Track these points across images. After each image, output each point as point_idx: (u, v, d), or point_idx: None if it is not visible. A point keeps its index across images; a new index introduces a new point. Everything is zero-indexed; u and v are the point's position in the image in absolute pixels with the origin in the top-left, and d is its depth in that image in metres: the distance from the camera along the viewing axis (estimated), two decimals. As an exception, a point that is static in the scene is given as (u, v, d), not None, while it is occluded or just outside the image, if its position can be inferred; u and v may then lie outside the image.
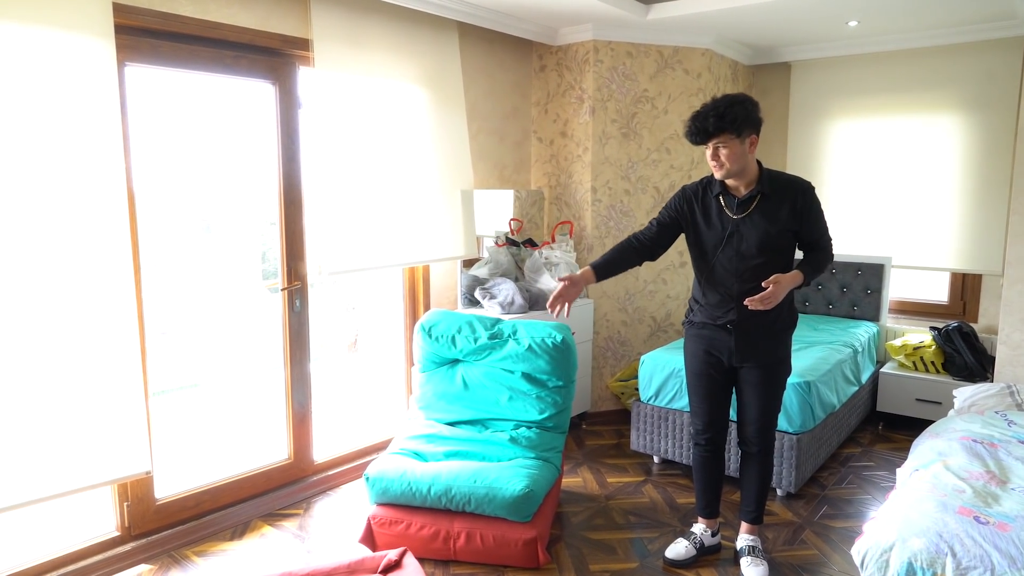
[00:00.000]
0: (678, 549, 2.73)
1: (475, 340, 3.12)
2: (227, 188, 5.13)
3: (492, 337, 3.12)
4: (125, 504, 2.74)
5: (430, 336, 3.16)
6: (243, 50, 2.94)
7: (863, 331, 4.25)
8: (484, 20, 3.73)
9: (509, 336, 3.11)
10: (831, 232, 2.55)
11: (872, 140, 4.56)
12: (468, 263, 3.98)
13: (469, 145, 3.83)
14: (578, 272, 2.44)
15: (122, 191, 2.51)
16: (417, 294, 3.86)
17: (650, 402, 3.66)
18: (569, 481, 3.52)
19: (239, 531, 3.01)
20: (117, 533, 2.74)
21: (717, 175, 2.40)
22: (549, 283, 3.98)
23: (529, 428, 3.04)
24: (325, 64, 3.09)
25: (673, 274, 4.45)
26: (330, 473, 3.44)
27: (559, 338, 3.06)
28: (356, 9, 3.22)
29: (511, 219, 4.16)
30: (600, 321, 4.36)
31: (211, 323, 5.61)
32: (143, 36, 2.63)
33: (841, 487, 3.43)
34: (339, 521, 3.10)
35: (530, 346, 3.05)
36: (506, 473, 2.68)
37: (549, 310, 2.39)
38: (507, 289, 3.78)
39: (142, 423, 2.62)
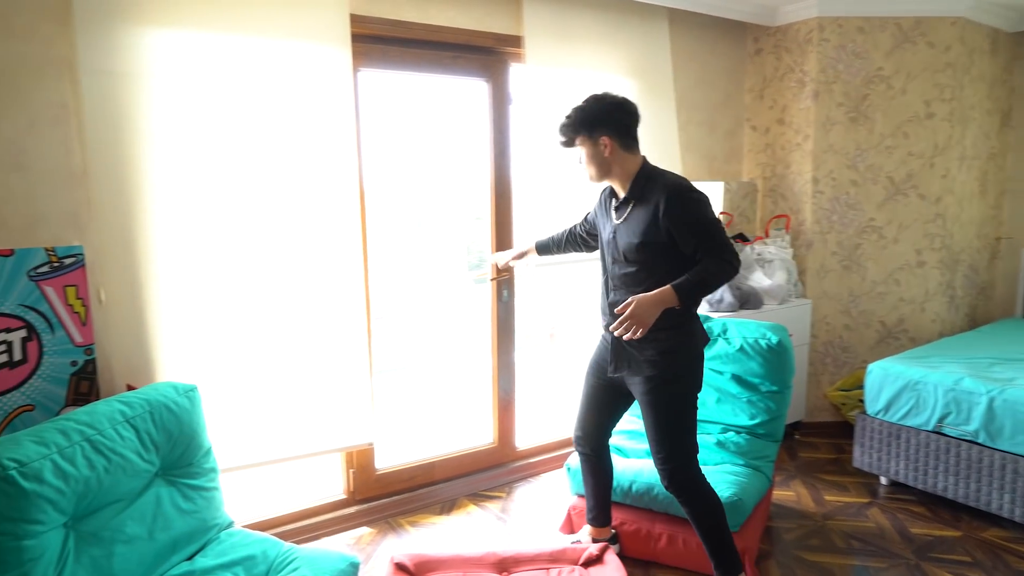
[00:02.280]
0: None
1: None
2: (438, 183, 5.46)
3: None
4: (351, 471, 3.02)
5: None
6: (460, 50, 3.09)
7: None
8: (697, 5, 3.58)
9: (718, 335, 2.95)
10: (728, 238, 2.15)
11: None
12: (673, 258, 3.84)
13: (678, 136, 3.70)
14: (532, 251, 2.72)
15: (355, 188, 2.75)
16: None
17: (878, 416, 3.27)
18: (781, 494, 3.25)
19: (447, 507, 3.18)
20: (344, 496, 3.03)
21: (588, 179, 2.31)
22: (761, 281, 3.72)
23: (738, 433, 2.86)
24: (535, 59, 3.15)
25: (908, 275, 3.93)
26: (532, 460, 3.51)
27: (774, 340, 2.83)
28: (566, 3, 3.24)
29: (720, 212, 3.95)
30: (819, 324, 3.99)
31: (422, 310, 6.04)
32: (374, 43, 2.86)
33: None
34: (540, 508, 3.15)
35: (742, 347, 2.86)
36: (712, 478, 2.54)
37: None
38: (715, 286, 3.59)
39: (367, 398, 2.86)
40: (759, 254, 3.86)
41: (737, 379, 2.90)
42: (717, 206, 3.96)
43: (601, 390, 2.46)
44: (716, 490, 2.44)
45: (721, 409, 2.92)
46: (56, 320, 2.25)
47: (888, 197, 3.89)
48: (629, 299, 2.08)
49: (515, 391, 3.48)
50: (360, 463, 3.03)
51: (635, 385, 2.30)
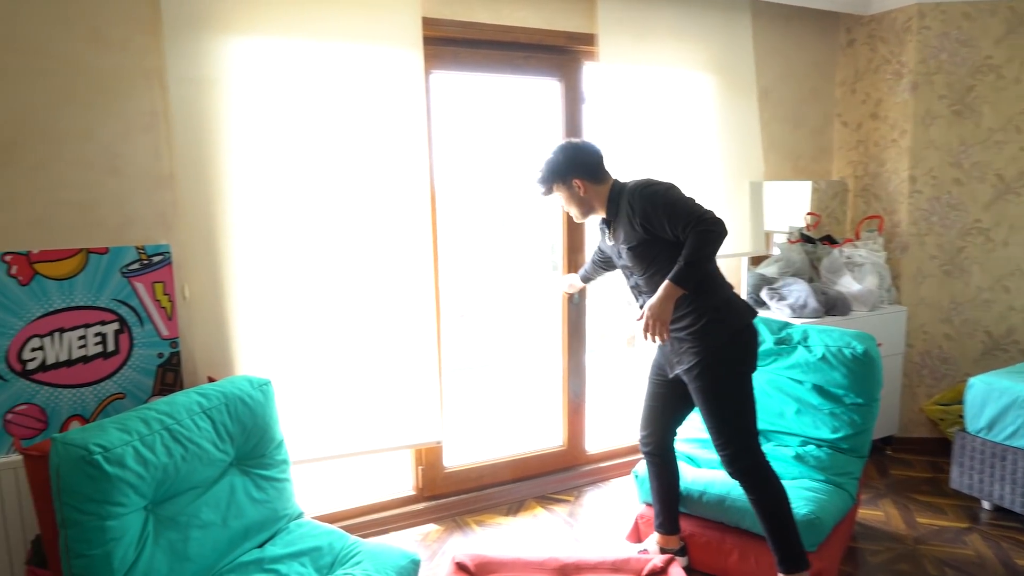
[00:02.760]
0: None
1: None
2: (516, 182, 5.46)
3: (779, 342, 2.83)
4: (420, 468, 3.06)
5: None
6: (532, 50, 3.07)
7: None
8: (783, -5, 3.42)
9: (799, 342, 2.79)
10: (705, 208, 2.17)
11: None
12: (755, 260, 3.68)
13: (759, 134, 3.54)
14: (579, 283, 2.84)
15: (426, 189, 2.78)
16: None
17: (980, 435, 3.01)
18: (867, 513, 3.05)
19: (514, 508, 3.17)
20: (413, 493, 3.07)
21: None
22: (850, 285, 3.51)
23: (819, 447, 2.70)
24: (609, 57, 3.09)
25: (1020, 281, 3.61)
26: (601, 465, 3.45)
27: (860, 349, 2.66)
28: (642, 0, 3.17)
29: (807, 213, 3.76)
30: (915, 332, 3.72)
31: (501, 310, 6.06)
32: (446, 45, 2.89)
33: None
34: (607, 514, 3.09)
35: (824, 355, 2.70)
36: (789, 494, 2.41)
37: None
38: (799, 290, 3.41)
39: (436, 397, 2.89)
40: (848, 257, 3.64)
41: (818, 389, 2.74)
42: (803, 206, 3.77)
43: (663, 388, 2.48)
44: (793, 506, 2.32)
45: (801, 421, 2.77)
46: (145, 314, 2.39)
47: (997, 196, 3.59)
48: (643, 308, 2.20)
49: (585, 394, 3.43)
50: (429, 460, 3.07)
51: (688, 380, 2.30)
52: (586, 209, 2.39)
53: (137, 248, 2.37)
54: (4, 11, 2.13)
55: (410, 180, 2.74)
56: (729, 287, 2.33)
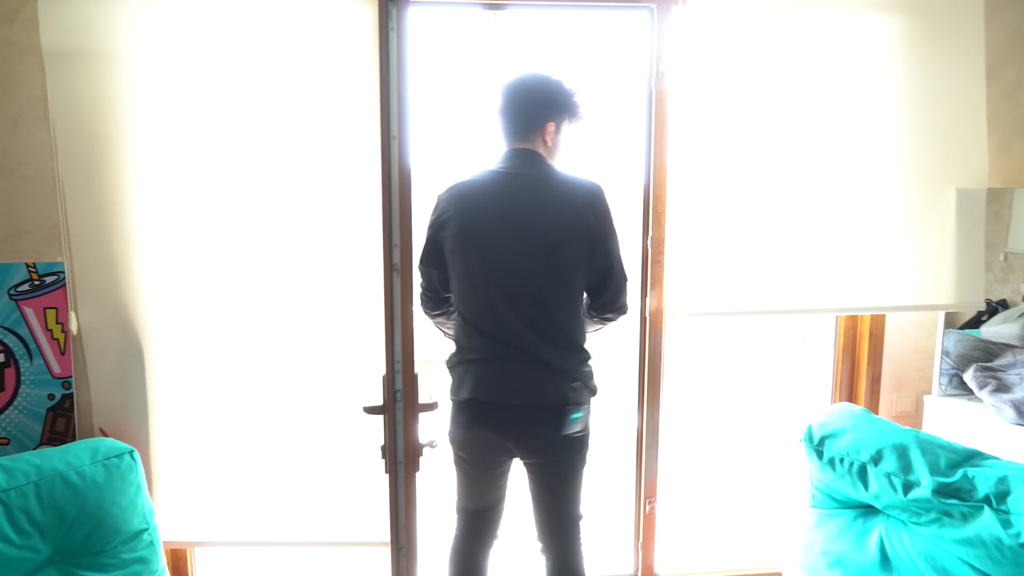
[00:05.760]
0: None
1: (907, 485, 1.61)
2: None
3: (944, 491, 1.57)
4: None
5: (820, 454, 1.79)
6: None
7: None
8: None
9: (986, 498, 1.51)
10: None
11: None
12: (968, 319, 2.29)
13: (984, 113, 2.14)
14: None
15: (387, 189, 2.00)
16: (858, 359, 2.39)
17: None
18: None
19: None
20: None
21: None
22: None
23: None
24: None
25: None
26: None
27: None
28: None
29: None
30: None
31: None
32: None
33: None
34: None
35: (1034, 537, 1.40)
36: None
37: None
38: (1036, 380, 2.00)
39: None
40: None
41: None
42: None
43: None
44: None
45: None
46: (35, 346, 1.97)
47: None
48: None
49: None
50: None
51: None
52: None
53: (28, 265, 1.95)
54: None
55: (357, 176, 1.97)
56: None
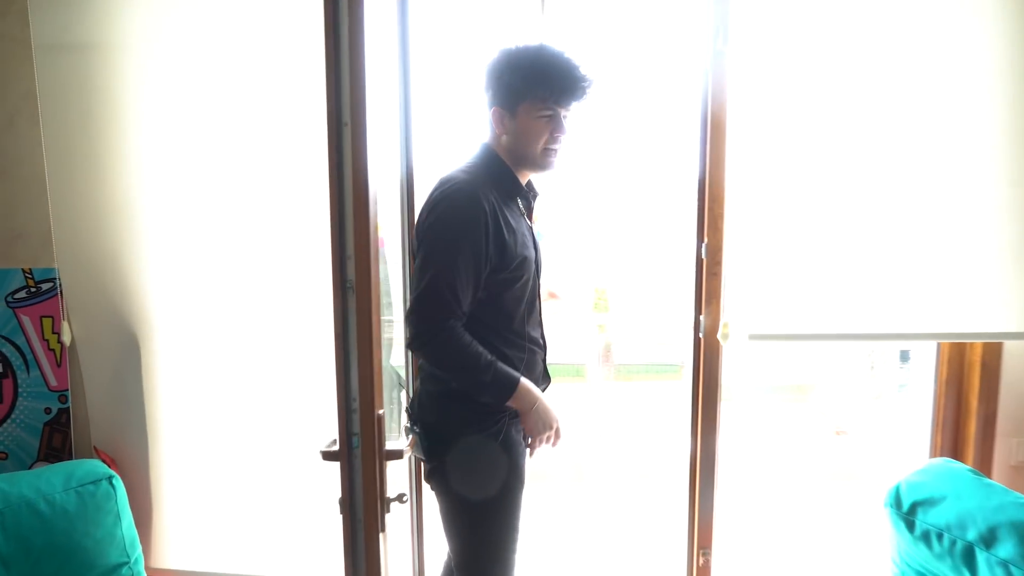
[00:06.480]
0: None
1: (1031, 578, 1.22)
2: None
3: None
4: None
5: (911, 525, 1.40)
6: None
7: None
8: None
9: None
10: None
11: None
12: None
13: None
14: None
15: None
16: (966, 394, 1.94)
17: None
18: None
19: None
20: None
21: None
22: None
23: None
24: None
25: None
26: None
27: None
28: None
29: None
30: None
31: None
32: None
33: None
34: None
35: None
36: None
37: None
38: None
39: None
40: None
41: None
42: None
43: None
44: None
45: None
46: (32, 357, 1.87)
47: None
48: None
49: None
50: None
51: None
52: None
53: (24, 272, 1.85)
54: None
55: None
56: None
